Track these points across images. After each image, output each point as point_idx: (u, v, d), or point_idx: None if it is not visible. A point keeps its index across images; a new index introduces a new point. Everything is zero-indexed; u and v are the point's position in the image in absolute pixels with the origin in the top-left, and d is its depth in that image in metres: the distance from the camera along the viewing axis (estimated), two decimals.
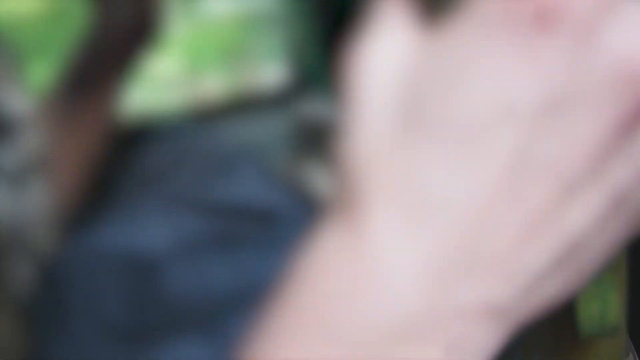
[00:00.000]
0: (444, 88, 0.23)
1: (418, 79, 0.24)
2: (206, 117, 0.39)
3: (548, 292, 0.24)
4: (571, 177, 0.23)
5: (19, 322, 0.36)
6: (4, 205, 0.36)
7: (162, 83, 0.38)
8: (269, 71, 0.40)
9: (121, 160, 0.37)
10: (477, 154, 0.23)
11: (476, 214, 0.23)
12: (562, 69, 0.22)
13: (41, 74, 0.37)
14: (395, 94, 0.24)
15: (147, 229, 0.36)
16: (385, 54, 0.25)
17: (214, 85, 0.39)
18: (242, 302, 0.36)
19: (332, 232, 0.25)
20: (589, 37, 0.22)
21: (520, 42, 0.22)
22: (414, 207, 0.23)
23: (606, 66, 0.22)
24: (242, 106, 0.39)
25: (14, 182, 0.36)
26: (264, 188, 0.38)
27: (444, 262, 0.23)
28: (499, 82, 0.22)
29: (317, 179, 0.40)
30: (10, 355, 0.36)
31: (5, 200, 0.36)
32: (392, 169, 0.23)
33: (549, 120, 0.22)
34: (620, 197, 0.24)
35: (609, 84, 0.22)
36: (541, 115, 0.22)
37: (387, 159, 0.23)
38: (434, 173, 0.23)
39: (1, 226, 0.35)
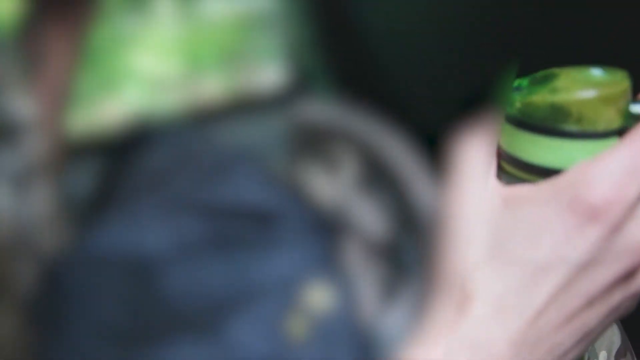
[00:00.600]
0: (522, 239, 0.39)
1: (502, 225, 0.40)
2: (204, 119, 0.39)
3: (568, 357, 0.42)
4: (593, 296, 0.40)
5: (21, 324, 0.36)
6: (8, 207, 0.35)
7: (160, 85, 0.38)
8: (267, 72, 0.40)
9: (120, 162, 0.37)
10: (537, 281, 0.39)
11: (534, 314, 0.39)
12: (597, 244, 0.39)
13: None
14: (485, 229, 0.40)
15: (145, 231, 0.36)
16: (477, 198, 0.40)
17: (212, 86, 0.39)
18: (241, 303, 0.36)
19: (442, 315, 0.40)
20: (617, 229, 0.39)
21: (575, 222, 0.39)
22: (498, 306, 0.39)
23: (623, 245, 0.39)
24: (240, 108, 0.39)
25: (18, 185, 0.36)
26: (262, 190, 0.38)
27: (517, 339, 0.39)
28: (559, 243, 0.39)
29: (315, 180, 0.40)
30: (12, 356, 0.36)
31: (8, 202, 0.36)
32: (484, 280, 0.39)
33: (582, 268, 0.39)
34: (617, 306, 0.41)
35: (622, 254, 0.39)
36: (578, 266, 0.39)
37: (480, 272, 0.39)
38: (509, 287, 0.39)
39: (5, 228, 0.35)
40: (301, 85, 0.40)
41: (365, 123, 0.41)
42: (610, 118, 0.41)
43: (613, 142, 0.41)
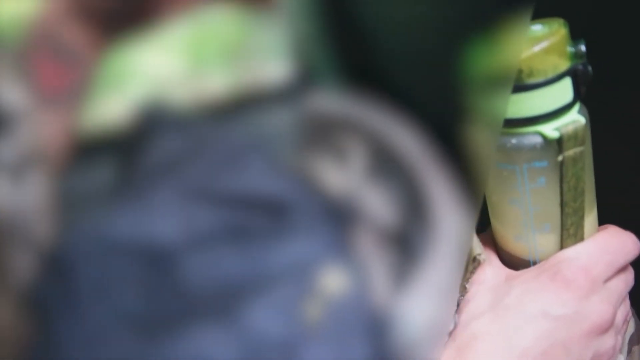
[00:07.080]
0: (515, 298, 0.52)
1: (501, 290, 0.53)
2: (212, 114, 0.39)
3: None
4: (569, 346, 0.51)
5: (20, 313, 0.36)
6: (4, 197, 0.36)
7: (165, 81, 0.38)
8: (274, 66, 0.40)
9: (132, 154, 0.38)
10: (524, 327, 0.51)
11: (520, 351, 0.50)
12: (570, 304, 0.51)
13: None
14: (489, 293, 0.53)
15: (160, 219, 0.36)
16: (490, 274, 0.54)
17: (218, 82, 0.39)
18: (257, 290, 0.37)
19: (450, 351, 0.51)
20: (585, 296, 0.51)
21: (554, 287, 0.51)
22: (494, 343, 0.50)
23: (590, 310, 0.51)
24: (248, 102, 0.40)
25: (14, 174, 0.36)
26: (275, 180, 0.38)
27: None
28: (542, 301, 0.51)
29: (325, 170, 0.40)
30: (11, 345, 0.36)
31: (5, 192, 0.36)
32: (485, 323, 0.51)
33: (560, 321, 0.50)
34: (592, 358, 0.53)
35: (589, 316, 0.51)
36: (556, 319, 0.50)
37: (483, 318, 0.52)
38: (502, 329, 0.50)
39: (1, 218, 0.36)
40: (309, 77, 0.41)
41: (373, 113, 0.41)
42: (556, 64, 0.48)
43: (566, 82, 0.49)
